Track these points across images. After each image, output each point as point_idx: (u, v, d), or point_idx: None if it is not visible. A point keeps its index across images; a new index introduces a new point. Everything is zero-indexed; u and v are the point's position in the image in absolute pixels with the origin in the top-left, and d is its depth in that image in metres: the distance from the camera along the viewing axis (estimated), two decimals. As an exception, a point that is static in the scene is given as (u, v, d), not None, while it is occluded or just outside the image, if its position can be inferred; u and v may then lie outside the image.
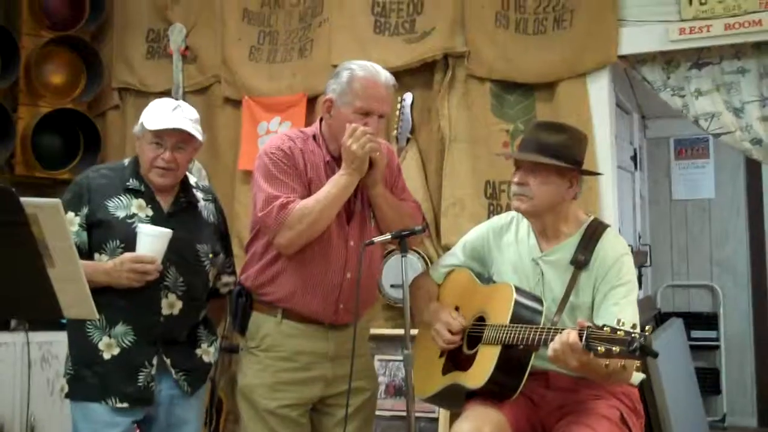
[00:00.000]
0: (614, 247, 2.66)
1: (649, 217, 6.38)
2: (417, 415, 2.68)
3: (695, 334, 6.04)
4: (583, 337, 2.24)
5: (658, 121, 6.34)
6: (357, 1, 4.50)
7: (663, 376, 4.20)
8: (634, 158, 5.84)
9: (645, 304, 5.64)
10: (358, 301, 2.69)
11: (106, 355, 2.68)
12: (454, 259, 2.99)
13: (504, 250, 2.82)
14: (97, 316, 2.23)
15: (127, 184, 2.76)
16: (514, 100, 4.22)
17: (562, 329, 2.38)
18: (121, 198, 2.74)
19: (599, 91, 4.07)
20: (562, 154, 2.62)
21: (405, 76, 4.41)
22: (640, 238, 6.00)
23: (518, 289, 2.64)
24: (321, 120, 2.85)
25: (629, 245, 5.24)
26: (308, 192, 2.70)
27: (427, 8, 4.37)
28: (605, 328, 2.22)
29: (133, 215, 2.71)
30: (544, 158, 2.62)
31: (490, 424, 2.52)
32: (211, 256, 2.85)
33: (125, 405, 2.68)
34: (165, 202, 2.80)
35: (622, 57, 3.99)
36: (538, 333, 2.45)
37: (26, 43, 4.69)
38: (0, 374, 4.16)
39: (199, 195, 2.92)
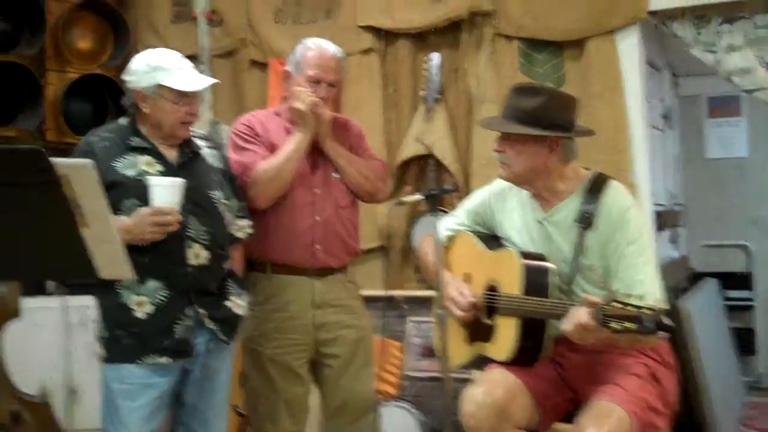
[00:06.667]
0: (618, 202, 2.58)
1: (681, 177, 6.30)
2: (452, 376, 2.68)
3: (730, 294, 5.99)
4: (596, 317, 2.24)
5: (689, 79, 6.22)
6: (382, -39, 4.44)
7: (698, 336, 4.17)
8: (665, 117, 5.75)
9: (679, 264, 5.59)
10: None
11: (140, 314, 2.67)
12: (458, 223, 2.96)
13: (509, 215, 2.78)
14: (132, 276, 2.23)
15: (129, 142, 2.75)
16: (543, 58, 4.17)
17: (576, 303, 2.39)
18: (127, 157, 2.72)
19: (629, 48, 4.01)
20: (538, 119, 2.54)
21: (431, 36, 4.38)
22: (673, 197, 5.94)
23: (523, 254, 2.61)
24: (284, 98, 3.14)
25: (662, 205, 5.22)
26: (271, 153, 3.00)
27: (453, -34, 4.31)
28: (614, 304, 2.20)
29: (144, 173, 2.69)
30: (516, 127, 2.56)
31: (502, 388, 2.52)
32: (224, 201, 2.86)
33: (164, 359, 2.68)
34: (171, 156, 2.79)
35: (652, 13, 3.91)
36: (552, 309, 2.47)
37: (52, 8, 4.66)
38: (39, 339, 4.17)
39: (201, 143, 2.93)
